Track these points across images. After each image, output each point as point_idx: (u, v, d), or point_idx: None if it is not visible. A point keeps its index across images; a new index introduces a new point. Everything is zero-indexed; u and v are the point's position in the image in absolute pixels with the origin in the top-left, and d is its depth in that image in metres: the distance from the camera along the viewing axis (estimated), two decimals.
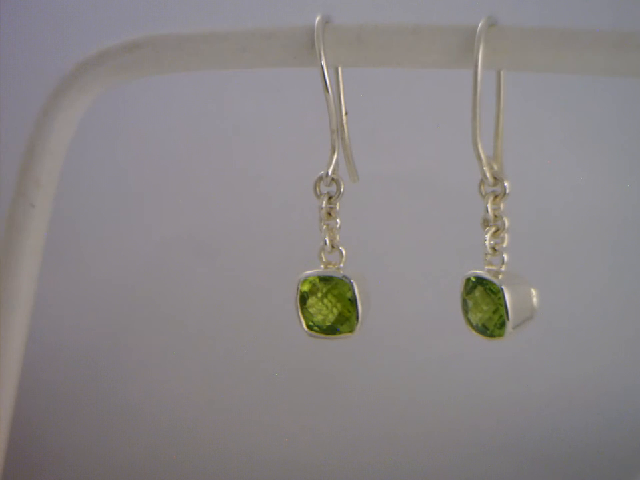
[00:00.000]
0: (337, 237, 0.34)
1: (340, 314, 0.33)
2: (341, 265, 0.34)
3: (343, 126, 0.33)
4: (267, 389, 0.72)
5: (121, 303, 0.72)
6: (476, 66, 0.29)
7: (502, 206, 0.33)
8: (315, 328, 0.33)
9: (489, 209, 0.32)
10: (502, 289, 0.31)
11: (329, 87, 0.32)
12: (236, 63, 0.32)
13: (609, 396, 0.68)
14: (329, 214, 0.34)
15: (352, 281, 0.33)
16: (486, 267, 0.33)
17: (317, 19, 0.32)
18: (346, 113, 0.34)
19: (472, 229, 0.66)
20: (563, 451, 0.69)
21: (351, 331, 0.33)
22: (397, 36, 0.30)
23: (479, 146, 0.31)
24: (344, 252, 0.34)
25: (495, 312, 0.32)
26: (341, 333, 0.33)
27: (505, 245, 0.33)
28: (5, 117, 0.68)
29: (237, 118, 0.68)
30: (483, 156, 0.31)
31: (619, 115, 0.64)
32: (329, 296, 0.33)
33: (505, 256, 0.33)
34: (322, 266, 0.34)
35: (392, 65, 0.31)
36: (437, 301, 0.66)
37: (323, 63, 0.32)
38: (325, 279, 0.33)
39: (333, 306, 0.33)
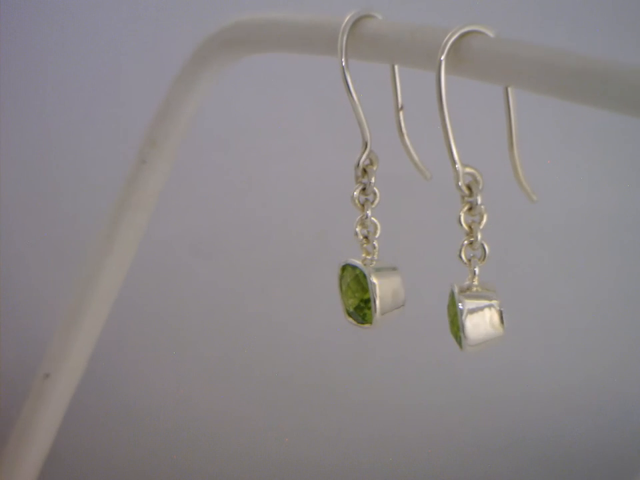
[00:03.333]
0: (372, 225, 0.34)
1: (359, 303, 0.34)
2: (374, 256, 0.34)
3: (399, 122, 0.33)
4: (267, 389, 0.72)
5: (121, 303, 0.72)
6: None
7: (481, 219, 0.32)
8: (350, 314, 0.34)
9: (462, 220, 0.32)
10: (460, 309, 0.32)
11: (349, 80, 0.31)
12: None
13: (608, 396, 0.68)
14: (363, 205, 0.33)
15: (365, 270, 0.33)
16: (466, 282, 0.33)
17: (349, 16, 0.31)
18: (401, 108, 0.33)
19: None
20: (563, 452, 0.69)
21: (369, 322, 0.33)
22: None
23: (452, 149, 0.31)
24: (376, 245, 0.34)
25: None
26: (363, 323, 0.34)
27: (481, 259, 0.33)
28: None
29: (236, 118, 0.68)
30: (458, 163, 0.31)
31: (619, 115, 0.64)
32: (352, 283, 0.34)
33: (477, 269, 0.32)
34: (363, 255, 0.34)
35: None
36: (437, 301, 0.66)
37: (344, 60, 0.31)
38: (352, 267, 0.34)
39: (354, 293, 0.34)
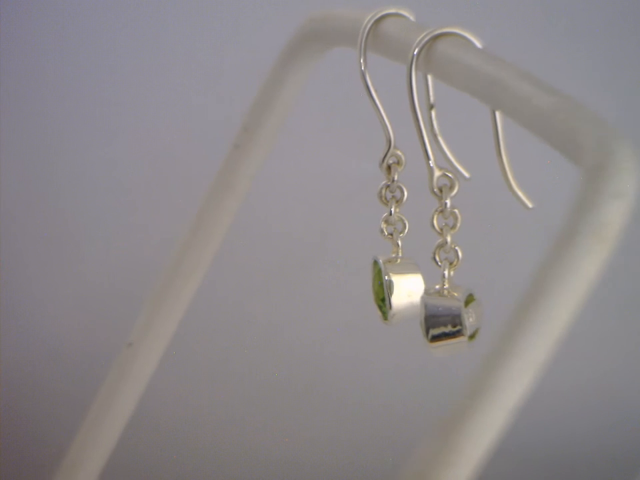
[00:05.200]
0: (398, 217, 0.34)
1: (379, 300, 0.34)
2: (399, 254, 0.34)
3: (431, 121, 0.32)
4: (267, 388, 0.72)
5: (121, 303, 0.72)
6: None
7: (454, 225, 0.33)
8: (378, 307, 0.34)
9: (435, 222, 0.32)
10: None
11: (368, 81, 0.31)
12: None
13: (609, 396, 0.68)
14: (388, 202, 0.33)
15: (383, 267, 0.33)
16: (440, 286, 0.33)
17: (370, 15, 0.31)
18: (432, 107, 0.32)
19: (472, 229, 0.66)
20: (563, 452, 0.69)
21: (385, 319, 0.34)
22: None
23: (427, 150, 0.31)
24: (400, 243, 0.34)
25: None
26: (384, 319, 0.34)
27: (453, 263, 0.33)
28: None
29: (236, 117, 0.68)
30: (433, 164, 0.31)
31: (618, 115, 0.64)
32: (375, 279, 0.34)
33: (447, 272, 0.33)
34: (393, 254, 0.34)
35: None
36: None
37: (363, 61, 0.31)
38: (375, 262, 0.34)
39: (376, 290, 0.34)
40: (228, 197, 0.40)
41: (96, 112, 0.70)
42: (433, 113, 0.32)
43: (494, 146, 0.31)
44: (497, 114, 0.31)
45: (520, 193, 0.32)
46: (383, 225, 0.34)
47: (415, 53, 0.29)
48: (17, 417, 0.73)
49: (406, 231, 0.34)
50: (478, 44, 0.29)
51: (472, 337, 0.33)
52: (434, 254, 0.32)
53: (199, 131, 0.69)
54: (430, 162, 0.31)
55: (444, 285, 0.32)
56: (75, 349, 0.73)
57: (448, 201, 0.31)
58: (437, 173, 0.31)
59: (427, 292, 0.32)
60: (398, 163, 0.33)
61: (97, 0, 0.68)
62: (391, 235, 0.34)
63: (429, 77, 0.31)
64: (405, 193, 0.33)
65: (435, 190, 0.31)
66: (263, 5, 0.66)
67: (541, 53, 0.63)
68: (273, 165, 0.69)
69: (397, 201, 0.34)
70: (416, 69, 0.29)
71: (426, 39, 0.28)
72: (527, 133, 0.25)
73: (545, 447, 0.70)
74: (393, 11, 0.31)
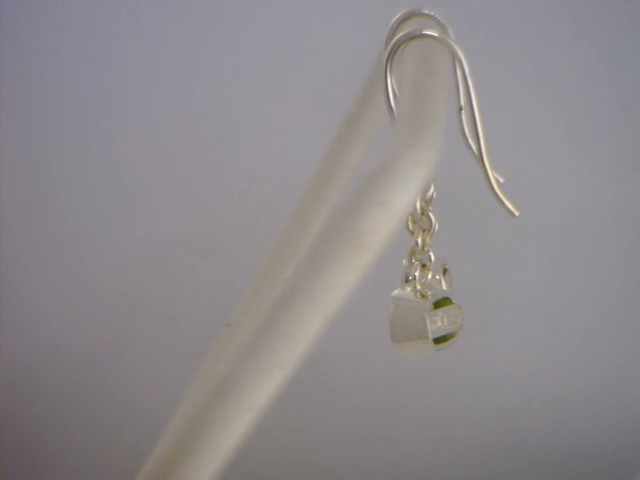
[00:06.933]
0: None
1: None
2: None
3: (461, 124, 0.32)
4: None
5: (121, 303, 0.72)
6: None
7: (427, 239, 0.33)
8: None
9: (409, 224, 0.32)
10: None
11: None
12: None
13: (609, 396, 0.68)
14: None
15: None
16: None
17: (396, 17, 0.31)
18: (460, 109, 0.32)
19: (472, 229, 0.66)
20: (563, 452, 0.69)
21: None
22: None
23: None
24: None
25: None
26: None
27: (426, 266, 0.33)
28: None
29: (236, 117, 0.68)
30: None
31: (619, 115, 0.64)
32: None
33: (417, 273, 0.33)
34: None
35: None
36: None
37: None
38: None
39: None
40: (327, 189, 0.40)
41: (96, 112, 0.70)
42: (463, 116, 0.32)
43: (475, 153, 0.31)
44: (478, 122, 0.30)
45: (506, 201, 0.32)
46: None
47: (390, 48, 0.29)
48: (17, 417, 0.73)
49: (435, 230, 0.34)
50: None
51: (440, 340, 0.33)
52: (409, 254, 0.33)
53: (200, 131, 0.69)
54: None
55: (416, 287, 0.32)
56: (75, 349, 0.73)
57: (418, 204, 0.32)
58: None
59: (398, 293, 0.32)
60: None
61: (97, 0, 0.68)
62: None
63: (459, 80, 0.31)
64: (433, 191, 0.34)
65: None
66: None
67: (541, 53, 0.63)
68: (273, 165, 0.69)
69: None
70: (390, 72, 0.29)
71: (398, 38, 0.29)
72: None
73: (545, 448, 0.70)
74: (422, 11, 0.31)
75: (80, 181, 0.71)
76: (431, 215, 0.32)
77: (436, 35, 0.28)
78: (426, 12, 0.31)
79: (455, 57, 0.29)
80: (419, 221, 0.32)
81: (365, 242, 0.21)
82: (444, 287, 0.33)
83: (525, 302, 0.67)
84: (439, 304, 0.32)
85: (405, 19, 0.31)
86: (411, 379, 0.70)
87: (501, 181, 0.33)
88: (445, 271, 0.34)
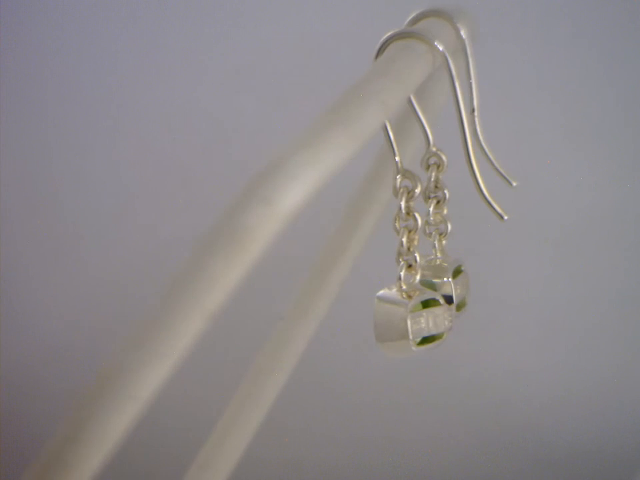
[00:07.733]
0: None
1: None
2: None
3: (474, 125, 0.32)
4: None
5: (122, 303, 0.72)
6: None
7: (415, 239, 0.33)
8: None
9: (396, 223, 0.32)
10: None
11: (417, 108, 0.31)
12: None
13: (609, 396, 0.68)
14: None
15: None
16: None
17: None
18: (473, 110, 0.31)
19: (471, 229, 0.66)
20: (563, 452, 0.69)
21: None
22: None
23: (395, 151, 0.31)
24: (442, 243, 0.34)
25: None
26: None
27: (412, 267, 0.33)
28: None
29: (236, 117, 0.68)
30: (399, 165, 0.31)
31: (619, 115, 0.64)
32: None
33: (402, 273, 0.33)
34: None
35: None
36: None
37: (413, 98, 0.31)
38: None
39: None
40: (379, 187, 0.39)
41: (96, 112, 0.70)
42: (476, 118, 0.32)
43: (464, 156, 0.31)
44: (466, 126, 0.30)
45: (495, 205, 0.32)
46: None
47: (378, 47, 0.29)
48: (17, 416, 0.73)
49: (448, 231, 0.34)
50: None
51: (425, 342, 0.33)
52: (397, 255, 0.33)
53: (200, 131, 0.69)
54: (396, 158, 0.31)
55: (401, 287, 0.32)
56: (75, 348, 0.73)
57: (402, 203, 0.32)
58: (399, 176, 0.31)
59: (383, 293, 0.32)
60: (438, 165, 0.33)
61: (97, 0, 0.68)
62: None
63: (473, 81, 0.31)
64: (447, 195, 0.34)
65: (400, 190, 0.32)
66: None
67: (541, 53, 0.63)
68: None
69: (438, 202, 0.34)
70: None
71: (386, 38, 0.29)
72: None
73: (545, 447, 0.70)
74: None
75: (80, 181, 0.71)
76: (417, 215, 0.32)
77: (424, 35, 0.28)
78: (443, 12, 0.31)
79: (442, 58, 0.29)
80: (407, 221, 0.32)
81: (246, 239, 0.21)
82: (452, 287, 0.33)
83: (525, 302, 0.67)
84: (426, 305, 0.32)
85: (417, 20, 0.31)
86: (410, 379, 0.70)
87: (514, 184, 0.33)
88: (456, 273, 0.33)
